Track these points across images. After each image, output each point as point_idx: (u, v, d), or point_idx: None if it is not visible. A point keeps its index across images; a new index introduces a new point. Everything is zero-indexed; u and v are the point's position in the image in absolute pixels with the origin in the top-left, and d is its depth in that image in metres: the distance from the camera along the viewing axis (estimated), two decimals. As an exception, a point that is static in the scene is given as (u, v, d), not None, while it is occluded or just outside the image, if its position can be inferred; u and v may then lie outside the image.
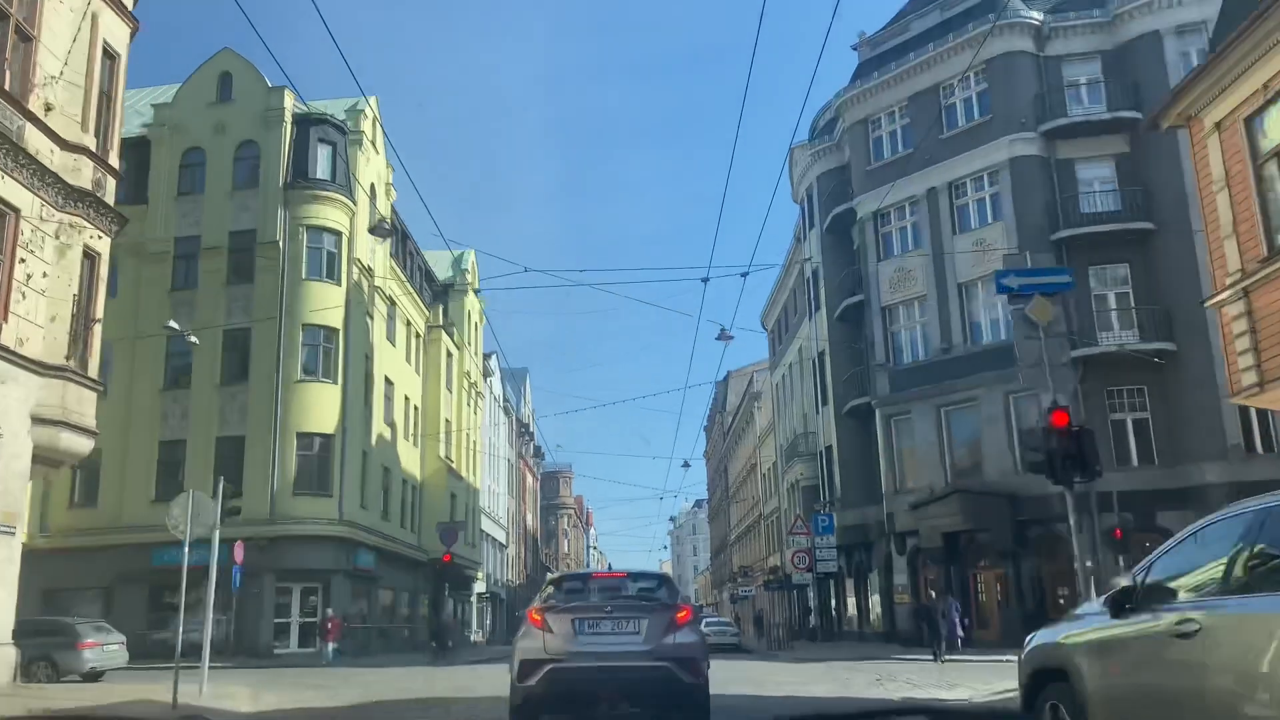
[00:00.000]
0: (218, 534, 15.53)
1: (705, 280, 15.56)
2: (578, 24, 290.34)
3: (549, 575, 11.44)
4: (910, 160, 30.78)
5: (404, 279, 41.21)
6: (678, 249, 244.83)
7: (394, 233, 19.83)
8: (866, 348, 32.99)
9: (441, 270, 50.37)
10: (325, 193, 33.21)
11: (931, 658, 24.36)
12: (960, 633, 26.18)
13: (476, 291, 52.75)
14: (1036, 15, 29.08)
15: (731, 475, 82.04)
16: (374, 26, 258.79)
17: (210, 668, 26.67)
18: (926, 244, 30.55)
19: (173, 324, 24.69)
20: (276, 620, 30.56)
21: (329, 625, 27.86)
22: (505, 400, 71.98)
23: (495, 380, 65.31)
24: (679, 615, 9.57)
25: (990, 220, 29.27)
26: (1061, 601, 27.32)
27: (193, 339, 25.84)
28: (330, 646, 27.70)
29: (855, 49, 34.17)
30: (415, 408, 43.09)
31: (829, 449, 37.27)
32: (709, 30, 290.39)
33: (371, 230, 20.49)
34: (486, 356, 60.91)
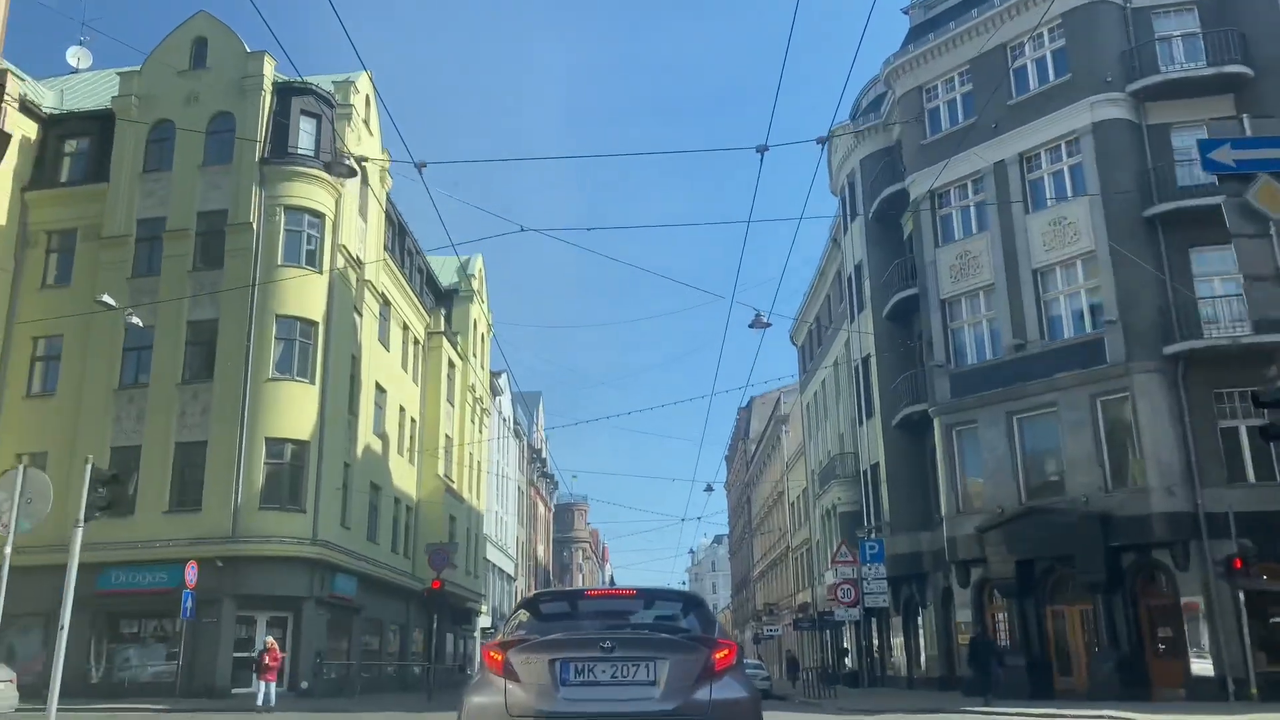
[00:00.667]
0: (79, 533, 11.38)
1: (762, 151, 11.34)
2: (600, 66, 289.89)
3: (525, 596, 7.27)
4: (973, 131, 26.73)
5: (400, 277, 37.39)
6: (699, 280, 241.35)
7: (355, 174, 15.97)
8: (922, 349, 28.77)
9: (446, 276, 46.63)
10: (307, 169, 29.41)
11: (985, 706, 20.38)
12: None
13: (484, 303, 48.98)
14: (1123, -41, 25.11)
15: (755, 506, 77.47)
16: (395, 68, 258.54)
17: (148, 711, 22.74)
18: (994, 225, 26.40)
19: (107, 298, 20.89)
20: (236, 654, 26.29)
21: (266, 659, 21.85)
22: (516, 423, 67.97)
23: (505, 400, 61.33)
24: (718, 656, 5.74)
25: (1070, 195, 25.13)
26: (1162, 647, 22.94)
27: (134, 320, 22.05)
28: (269, 686, 21.76)
29: (906, 12, 30.32)
30: (412, 420, 39.07)
31: (874, 467, 32.93)
32: (734, 71, 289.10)
33: (327, 167, 16.64)
34: (495, 375, 57.00)
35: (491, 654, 5.92)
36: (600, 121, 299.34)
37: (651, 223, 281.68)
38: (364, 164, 32.05)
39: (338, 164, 15.54)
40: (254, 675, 22.12)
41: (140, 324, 24.08)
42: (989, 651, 22.93)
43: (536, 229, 53.30)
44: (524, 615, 6.58)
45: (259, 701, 20.30)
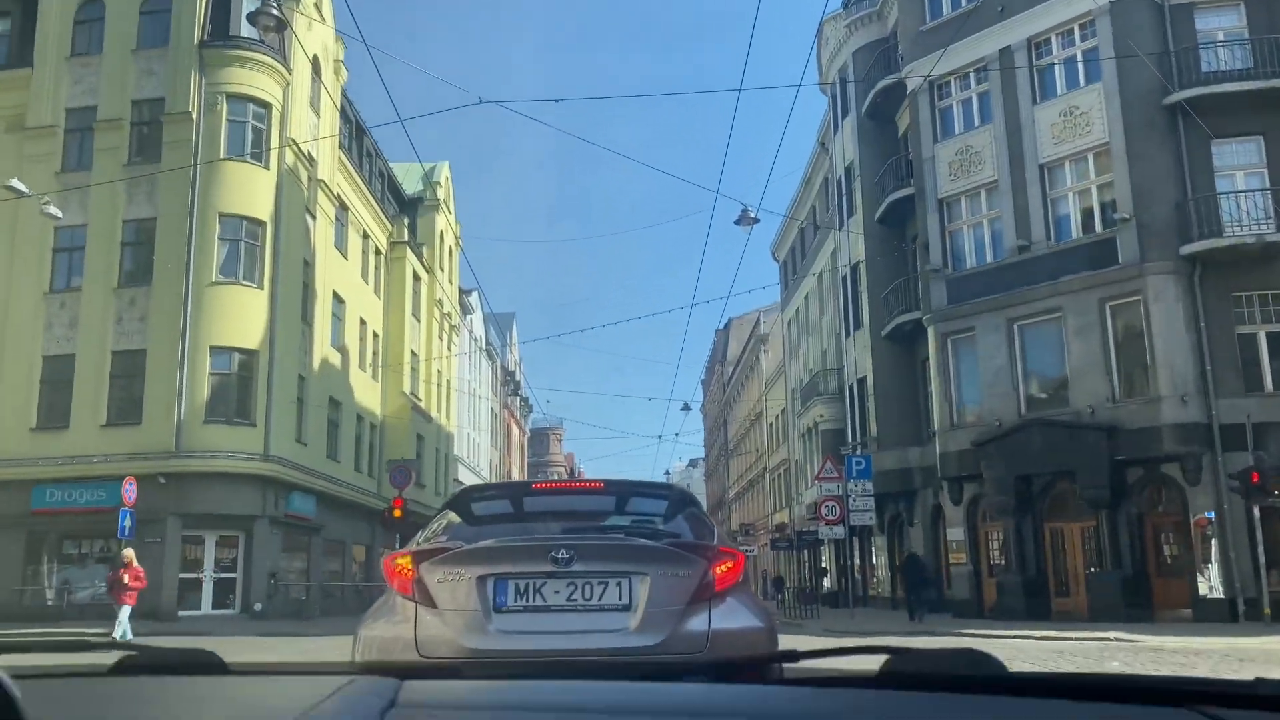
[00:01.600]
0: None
1: None
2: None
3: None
4: (977, 15, 24.50)
5: (359, 180, 35.00)
6: (675, 204, 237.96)
7: (283, 27, 13.82)
8: (916, 253, 26.96)
9: (410, 185, 44.11)
10: (251, 53, 26.91)
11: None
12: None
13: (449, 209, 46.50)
14: None
15: (732, 428, 76.33)
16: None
17: (80, 635, 21.10)
18: (998, 118, 24.39)
19: (18, 184, 18.57)
20: (183, 575, 24.72)
21: (124, 577, 16.34)
22: (488, 344, 66.00)
23: (476, 319, 59.26)
24: (719, 570, 3.99)
25: (1083, 83, 23.12)
26: (1169, 565, 21.69)
27: (53, 210, 19.84)
28: (125, 612, 16.46)
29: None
30: (374, 334, 37.05)
31: (860, 382, 31.35)
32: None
33: (250, 18, 14.40)
34: (466, 293, 54.82)
35: (398, 567, 4.11)
36: (577, 49, 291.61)
37: (625, 158, 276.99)
38: (316, 55, 29.56)
39: (264, 13, 13.37)
40: (110, 598, 17.09)
41: (60, 215, 21.85)
42: (916, 571, 24.16)
43: (496, 101, 50.46)
44: (450, 517, 4.76)
45: (115, 633, 16.08)
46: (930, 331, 25.43)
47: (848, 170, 31.96)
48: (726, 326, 76.61)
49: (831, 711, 1.05)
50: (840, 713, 1.05)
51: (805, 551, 44.29)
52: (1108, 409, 21.69)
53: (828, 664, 1.24)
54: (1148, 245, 21.43)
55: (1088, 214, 22.93)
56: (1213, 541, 20.55)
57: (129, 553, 17.19)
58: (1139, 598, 21.03)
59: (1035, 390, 23.50)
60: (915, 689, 1.10)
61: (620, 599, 3.87)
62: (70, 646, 1.38)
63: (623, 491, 5.26)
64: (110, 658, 1.21)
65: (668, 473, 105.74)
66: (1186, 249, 21.12)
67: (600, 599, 3.87)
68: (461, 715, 0.99)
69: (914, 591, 23.62)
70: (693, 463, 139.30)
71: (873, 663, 1.16)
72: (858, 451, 29.63)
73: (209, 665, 1.21)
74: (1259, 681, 1.07)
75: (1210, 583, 20.55)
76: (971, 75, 25.31)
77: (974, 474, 24.03)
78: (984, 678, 1.10)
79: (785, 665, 1.27)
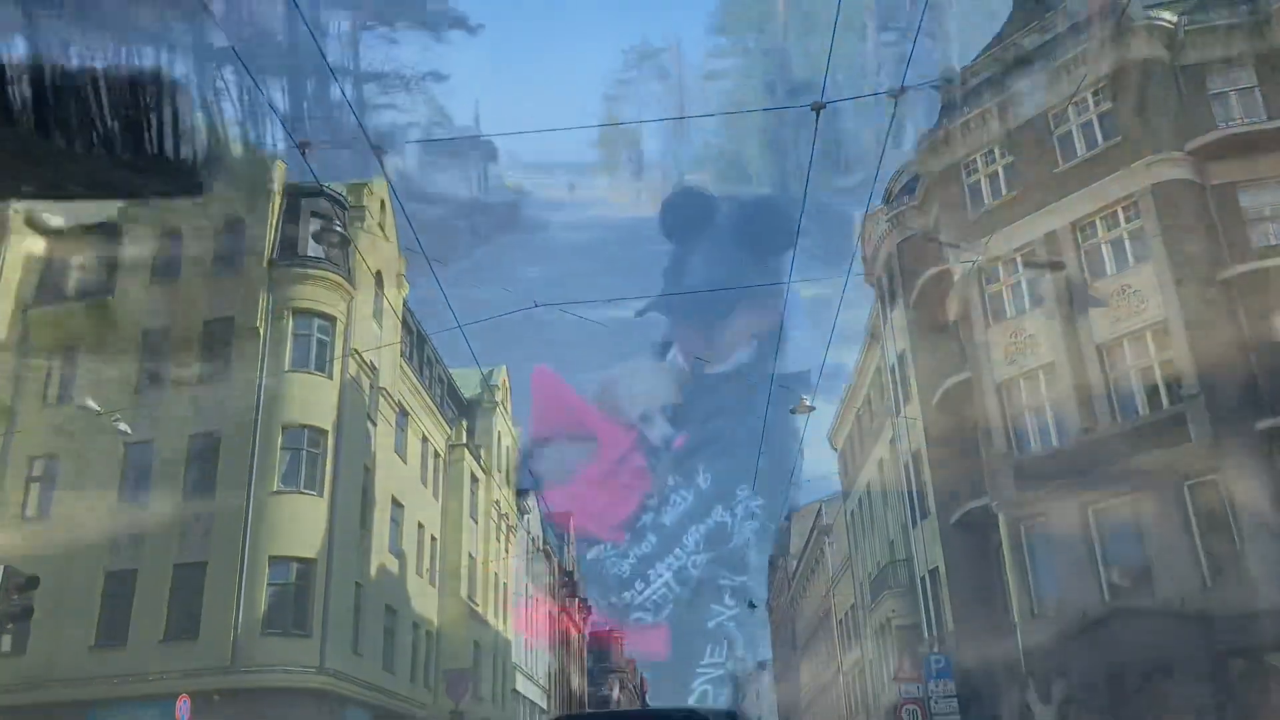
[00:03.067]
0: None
1: (818, 110, 9.09)
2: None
3: None
4: (1019, 204, 25.14)
5: (419, 386, 35.73)
6: (731, 393, 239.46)
7: (347, 243, 14.52)
8: (979, 438, 26.45)
9: (468, 388, 44.96)
10: (317, 271, 28.12)
11: None
12: None
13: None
14: (1169, 17, 23.75)
15: (799, 628, 73.42)
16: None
17: None
18: (1050, 300, 24.46)
19: (90, 403, 19.24)
20: (235, 803, 23.68)
21: None
22: (545, 544, 65.23)
23: (533, 519, 58.84)
24: None
25: (1132, 262, 23.21)
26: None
27: (122, 426, 20.41)
28: None
29: (936, 87, 29.07)
30: (432, 538, 36.78)
31: (932, 573, 30.15)
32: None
33: (316, 237, 15.15)
34: (523, 493, 54.73)
35: None
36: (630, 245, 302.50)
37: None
38: (379, 271, 30.90)
39: (327, 230, 14.08)
40: None
41: (129, 431, 22.47)
42: None
43: (551, 304, 51.61)
44: None
45: None
46: (1001, 519, 24.62)
47: (900, 359, 31.97)
48: (788, 518, 75.12)
49: None
50: None
51: (887, 760, 41.52)
52: (1198, 595, 20.50)
53: None
54: (1219, 422, 20.80)
55: (1153, 391, 22.47)
56: (1335, 740, 18.85)
57: None
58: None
59: (1117, 578, 22.38)
60: None
61: None
62: None
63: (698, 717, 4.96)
64: None
65: (735, 676, 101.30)
66: (1262, 424, 20.47)
67: None
68: None
69: None
70: (761, 664, 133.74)
71: None
72: (935, 648, 28.19)
73: None
74: None
75: (1340, 787, 18.70)
76: (1018, 260, 25.57)
77: (1062, 669, 22.60)
78: None
79: None
